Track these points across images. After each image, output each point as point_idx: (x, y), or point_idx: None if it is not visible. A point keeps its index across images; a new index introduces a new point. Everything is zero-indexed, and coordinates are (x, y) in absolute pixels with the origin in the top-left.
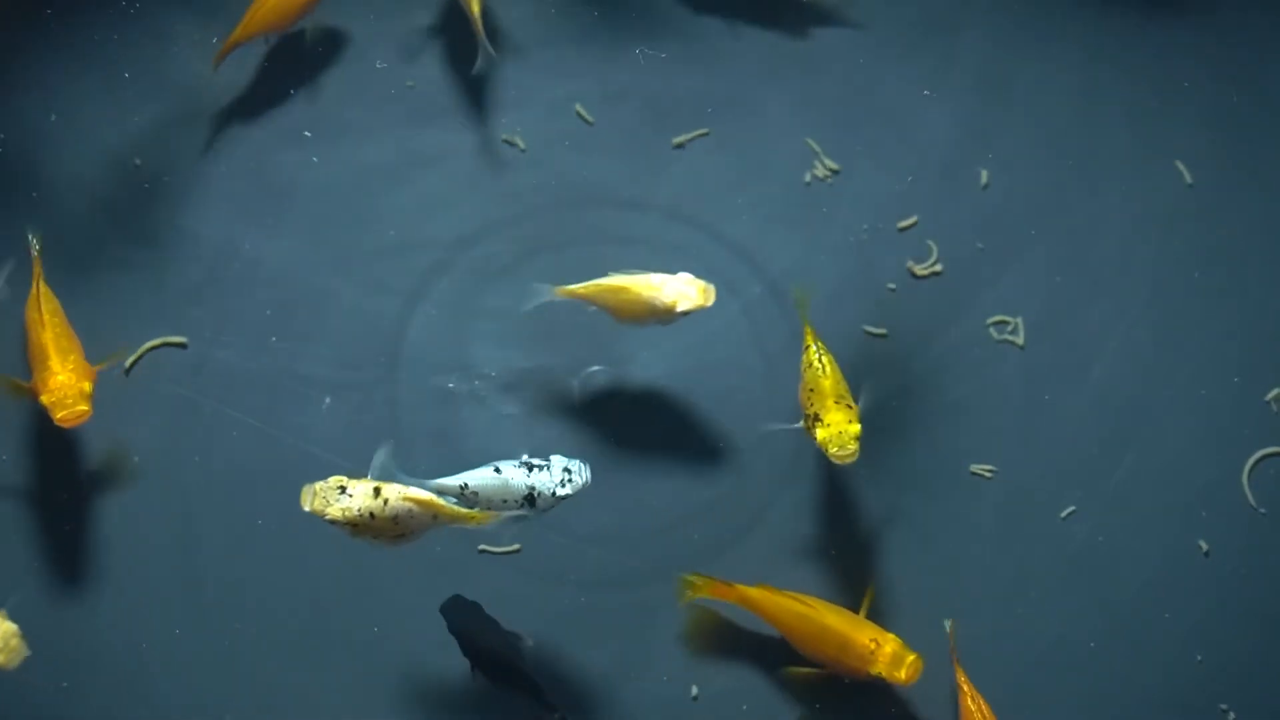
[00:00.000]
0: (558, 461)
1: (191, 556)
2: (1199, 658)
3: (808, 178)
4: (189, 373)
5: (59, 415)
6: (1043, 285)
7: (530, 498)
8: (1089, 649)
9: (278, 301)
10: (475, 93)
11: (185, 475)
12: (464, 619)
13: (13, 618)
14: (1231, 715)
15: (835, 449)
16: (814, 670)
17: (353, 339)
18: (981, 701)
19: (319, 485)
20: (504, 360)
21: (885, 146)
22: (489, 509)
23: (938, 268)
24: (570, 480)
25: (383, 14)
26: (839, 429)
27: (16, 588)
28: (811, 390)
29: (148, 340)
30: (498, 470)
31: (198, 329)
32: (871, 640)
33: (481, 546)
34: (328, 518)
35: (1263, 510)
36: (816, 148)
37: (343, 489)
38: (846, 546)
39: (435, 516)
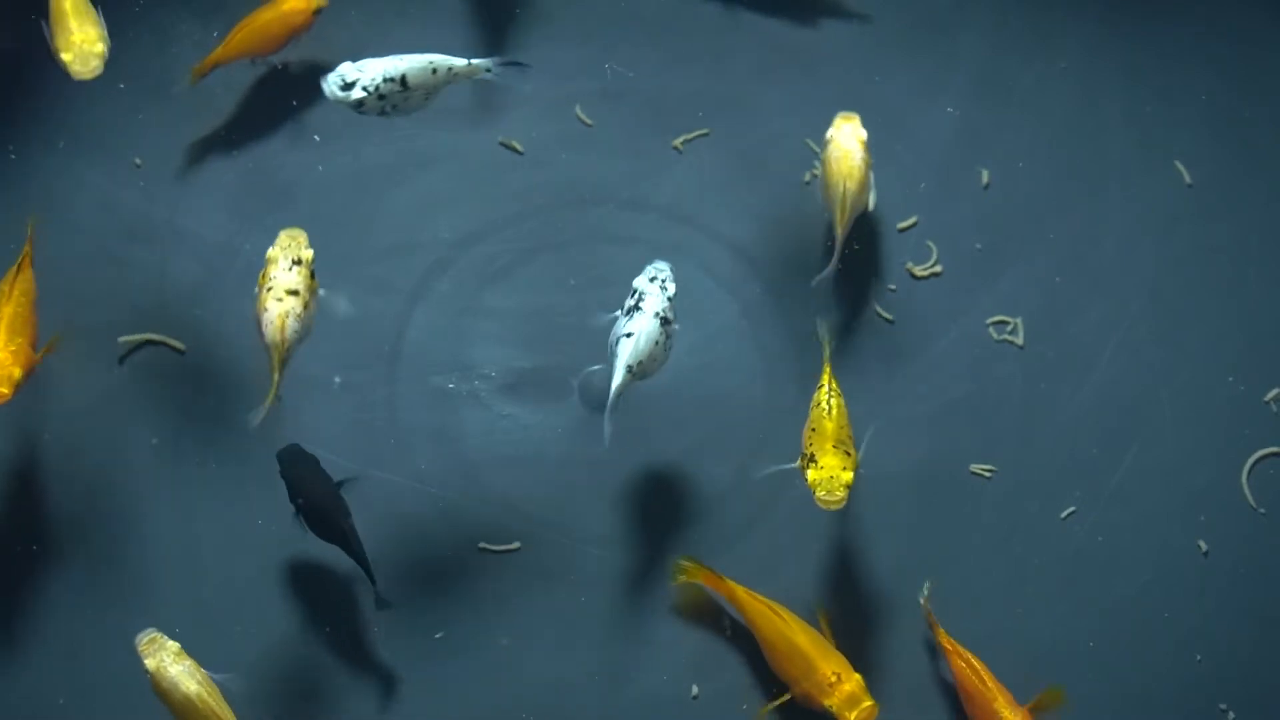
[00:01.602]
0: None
1: (191, 556)
2: (1199, 658)
3: (808, 178)
4: (189, 373)
5: None
6: (1043, 285)
7: (664, 319)
8: (1089, 649)
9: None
10: (475, 93)
11: (185, 475)
12: (298, 467)
13: (10, 617)
14: (1231, 715)
15: (823, 493)
16: (782, 700)
17: (353, 339)
18: (971, 658)
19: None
20: (504, 360)
21: (885, 146)
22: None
23: (937, 268)
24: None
25: (383, 16)
26: (830, 474)
27: (17, 587)
28: (813, 430)
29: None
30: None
31: (198, 329)
32: (834, 674)
33: (481, 546)
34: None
35: (1262, 510)
36: (816, 148)
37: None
38: (846, 547)
39: None
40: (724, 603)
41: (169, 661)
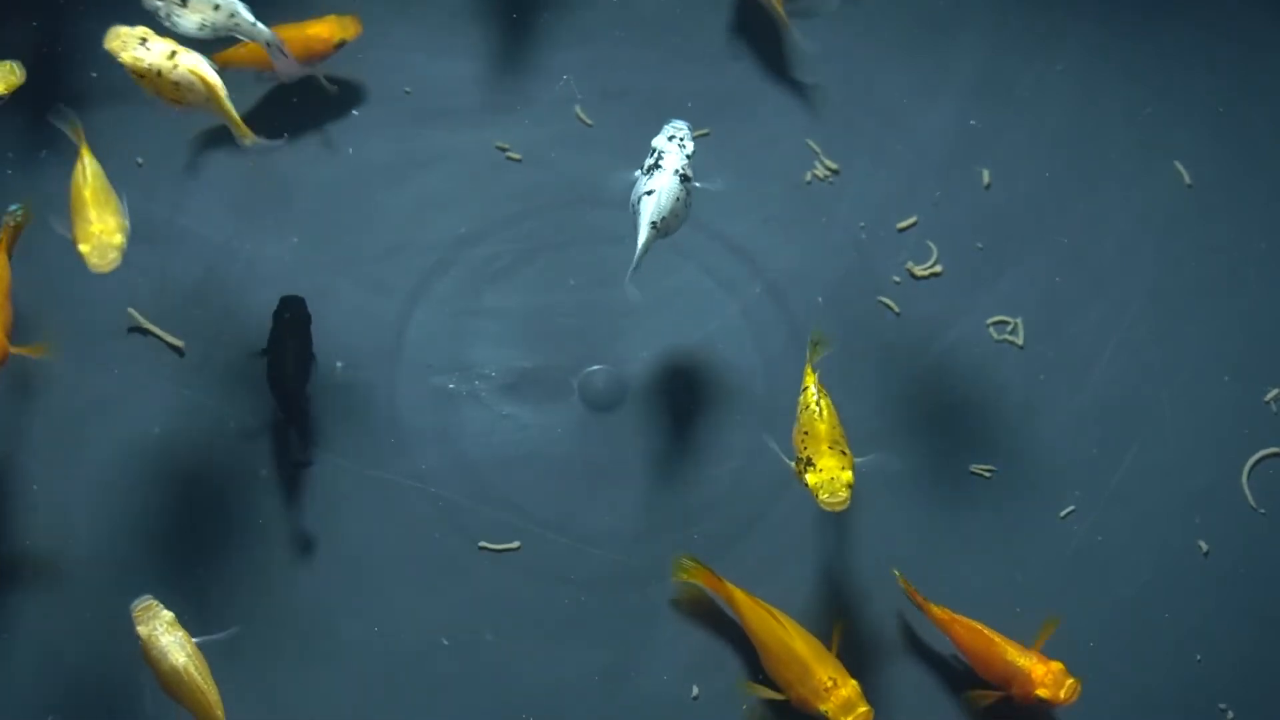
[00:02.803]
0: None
1: (191, 556)
2: (1199, 658)
3: (808, 178)
4: (189, 373)
5: None
6: (1043, 285)
7: (684, 176)
8: (1089, 649)
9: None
10: (475, 93)
11: (185, 475)
12: (290, 319)
13: (10, 617)
14: (1231, 715)
15: (826, 495)
16: (774, 694)
17: (353, 339)
18: (967, 620)
19: (125, 30)
20: (504, 360)
21: (885, 146)
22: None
23: (937, 268)
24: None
25: (382, 16)
26: (831, 475)
27: (15, 587)
28: (806, 433)
29: (148, 339)
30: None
31: (198, 329)
32: (830, 678)
33: (481, 545)
34: (120, 59)
35: (1262, 510)
36: (816, 148)
37: (144, 40)
38: (846, 547)
39: (209, 100)
40: (722, 604)
41: (161, 630)
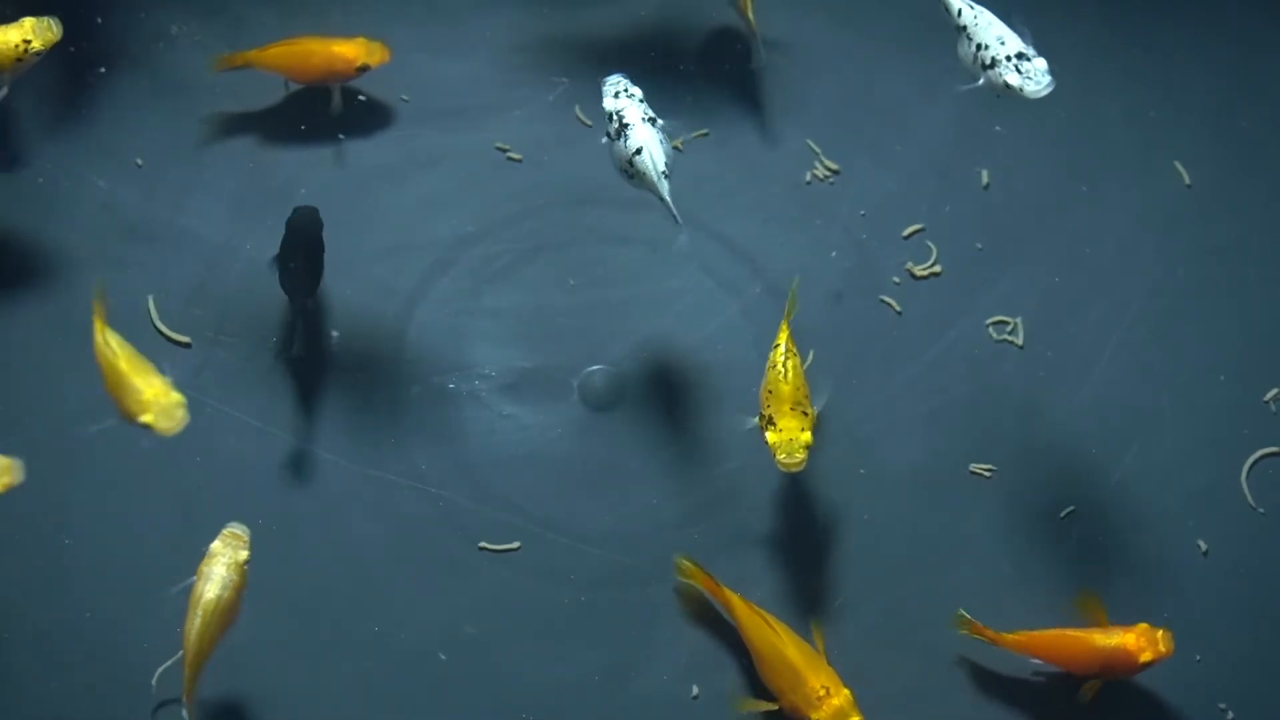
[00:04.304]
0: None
1: (191, 556)
2: (1198, 657)
3: (808, 178)
4: (189, 373)
5: None
6: (1043, 285)
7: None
8: None
9: (278, 301)
10: (475, 94)
11: (185, 475)
12: (303, 231)
13: (11, 617)
14: (1231, 715)
15: (783, 455)
16: (768, 704)
17: (353, 339)
18: (1043, 635)
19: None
20: (504, 360)
21: (885, 146)
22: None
23: (937, 269)
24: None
25: (383, 16)
26: (790, 436)
27: (15, 587)
28: (770, 392)
29: (148, 338)
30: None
31: (198, 329)
32: (823, 687)
33: (481, 545)
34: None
35: (1262, 510)
36: (816, 148)
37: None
38: (846, 547)
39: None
40: (719, 608)
41: (223, 559)
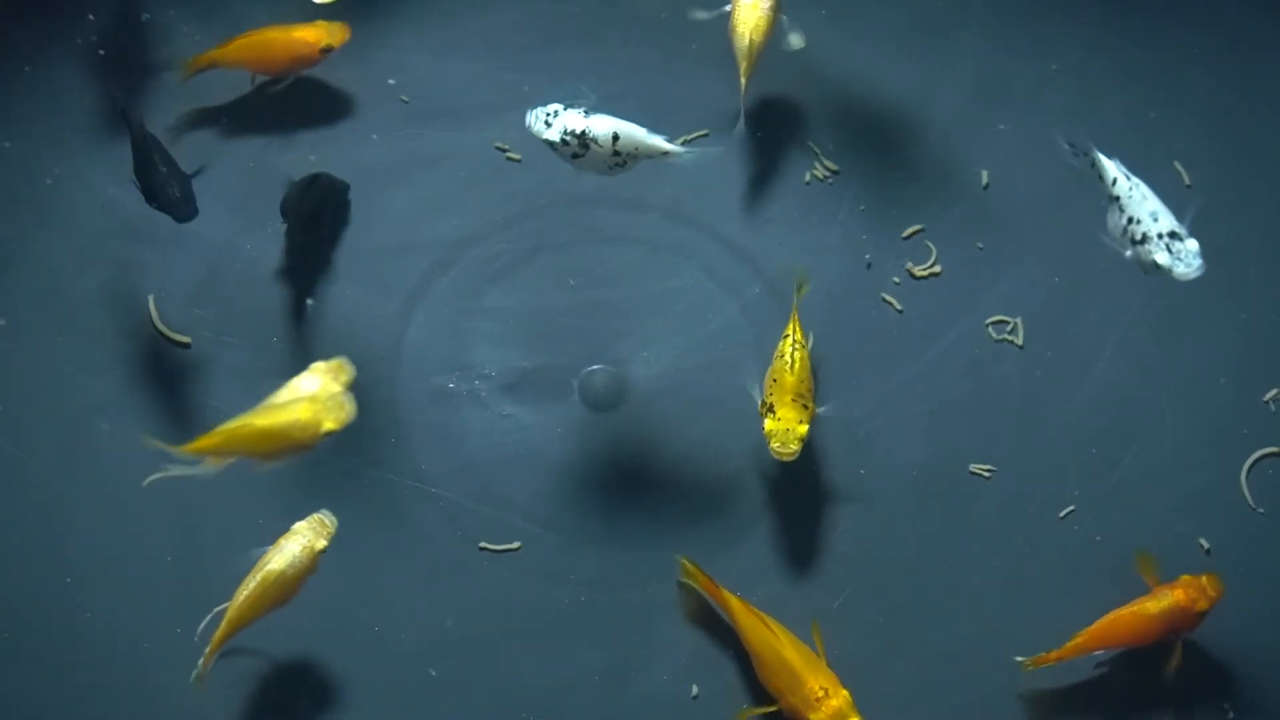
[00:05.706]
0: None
1: (192, 556)
2: (1199, 658)
3: (807, 178)
4: (189, 373)
5: None
6: (1043, 285)
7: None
8: None
9: (278, 301)
10: (475, 94)
11: (185, 475)
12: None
13: (11, 617)
14: (1231, 715)
15: (777, 444)
16: (768, 708)
17: (353, 339)
18: (1098, 628)
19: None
20: (504, 360)
21: (885, 146)
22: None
23: (937, 269)
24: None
25: (383, 16)
26: (786, 426)
27: (16, 587)
28: (774, 380)
29: (149, 339)
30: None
31: (198, 329)
32: (822, 688)
33: (482, 545)
34: None
35: (1262, 510)
36: (816, 148)
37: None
38: (846, 547)
39: None
40: (718, 609)
41: (301, 540)
